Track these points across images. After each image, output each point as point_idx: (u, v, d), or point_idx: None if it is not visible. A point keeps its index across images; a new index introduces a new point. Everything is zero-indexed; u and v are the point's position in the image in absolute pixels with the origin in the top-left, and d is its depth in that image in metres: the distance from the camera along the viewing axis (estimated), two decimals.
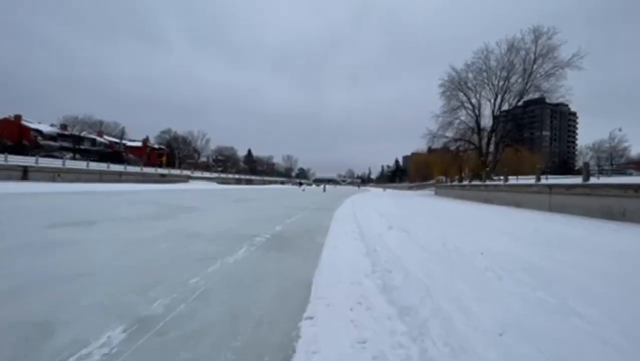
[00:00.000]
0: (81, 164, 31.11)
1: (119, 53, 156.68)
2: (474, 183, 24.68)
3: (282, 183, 52.68)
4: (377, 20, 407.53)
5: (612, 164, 41.56)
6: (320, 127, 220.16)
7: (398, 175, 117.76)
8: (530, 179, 23.01)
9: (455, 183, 30.86)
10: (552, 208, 14.07)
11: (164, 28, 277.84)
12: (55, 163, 29.67)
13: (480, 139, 33.09)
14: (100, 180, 30.85)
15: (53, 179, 27.45)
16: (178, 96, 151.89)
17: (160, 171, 41.21)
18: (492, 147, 33.18)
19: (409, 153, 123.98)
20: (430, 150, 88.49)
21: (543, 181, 18.10)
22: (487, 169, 31.54)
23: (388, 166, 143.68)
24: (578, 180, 13.61)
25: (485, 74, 32.35)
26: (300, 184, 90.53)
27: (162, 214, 7.98)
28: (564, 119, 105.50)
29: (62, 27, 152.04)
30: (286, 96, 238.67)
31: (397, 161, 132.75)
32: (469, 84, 32.83)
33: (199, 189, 26.10)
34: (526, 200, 16.05)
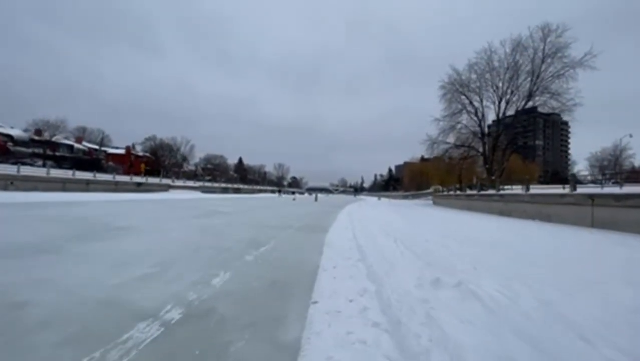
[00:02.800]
0: (41, 171, 27.54)
1: (114, 61, 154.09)
2: (483, 192, 22.00)
3: (273, 191, 49.35)
4: (374, 33, 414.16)
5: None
6: (313, 137, 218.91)
7: (392, 184, 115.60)
8: (544, 189, 20.56)
9: (460, 192, 28.20)
10: (595, 224, 11.38)
11: (161, 38, 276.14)
12: (10, 170, 26.07)
13: (484, 145, 30.71)
14: (63, 189, 27.33)
15: (5, 188, 23.92)
16: (172, 104, 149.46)
17: (136, 179, 37.67)
18: (496, 154, 30.77)
19: (401, 162, 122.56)
20: (423, 159, 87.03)
21: (580, 190, 15.63)
22: (493, 177, 29.17)
23: (381, 175, 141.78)
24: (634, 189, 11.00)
25: (488, 75, 30.21)
26: (293, 193, 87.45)
27: (46, 244, 4.91)
28: (556, 128, 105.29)
29: (54, 31, 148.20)
30: (281, 105, 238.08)
31: (390, 170, 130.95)
32: (472, 86, 30.64)
33: (171, 199, 22.83)
34: (558, 213, 13.36)
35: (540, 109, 30.71)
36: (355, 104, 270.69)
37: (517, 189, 20.83)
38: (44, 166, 44.22)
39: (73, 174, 29.52)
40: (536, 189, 19.14)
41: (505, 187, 28.27)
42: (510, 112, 30.26)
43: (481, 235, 8.44)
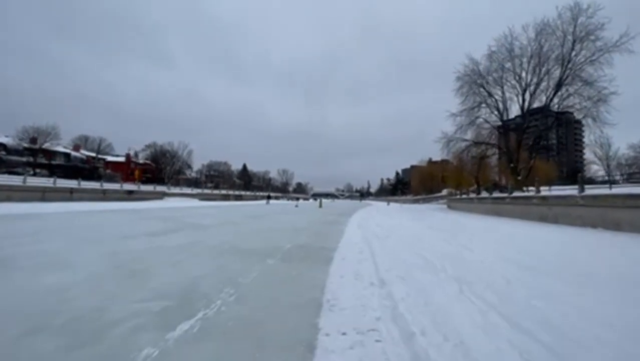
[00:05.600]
0: (17, 179, 25.12)
1: (123, 70, 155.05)
2: (517, 194, 18.78)
3: (269, 197, 46.32)
4: (382, 37, 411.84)
5: None
6: (319, 142, 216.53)
7: (400, 188, 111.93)
8: (567, 189, 17.10)
9: (484, 194, 24.90)
10: None
11: (171, 47, 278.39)
12: None
13: (507, 142, 27.42)
14: (43, 198, 24.85)
15: None
16: (179, 112, 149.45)
17: (127, 187, 35.20)
18: (521, 152, 27.40)
19: (408, 166, 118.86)
20: (431, 161, 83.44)
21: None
22: (519, 178, 25.85)
23: (388, 179, 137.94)
24: None
25: (509, 64, 27.01)
26: (297, 198, 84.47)
27: None
28: (569, 128, 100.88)
29: (65, 43, 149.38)
30: (286, 111, 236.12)
31: (397, 173, 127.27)
32: (491, 77, 27.47)
33: (152, 208, 20.07)
34: (631, 220, 10.22)
35: (567, 102, 27.23)
36: (362, 108, 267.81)
37: (558, 190, 17.61)
38: (34, 174, 42.19)
39: (54, 183, 27.06)
40: (571, 190, 15.92)
41: (530, 188, 25.02)
42: (536, 104, 27.03)
43: (576, 257, 5.35)
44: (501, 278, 4.00)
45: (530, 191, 22.99)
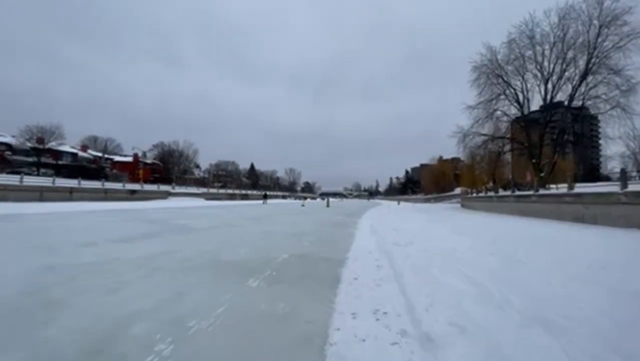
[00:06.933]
0: (14, 179, 24.39)
1: (136, 71, 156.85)
2: (543, 192, 16.99)
3: (265, 196, 44.95)
4: (393, 35, 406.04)
5: None
6: (327, 142, 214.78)
7: (410, 187, 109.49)
8: (599, 186, 15.18)
9: (503, 192, 23.05)
10: None
11: (182, 49, 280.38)
12: None
13: (528, 137, 25.46)
14: (41, 198, 24.07)
15: None
16: (189, 112, 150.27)
17: (130, 186, 34.40)
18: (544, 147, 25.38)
19: (417, 164, 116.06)
20: (442, 159, 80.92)
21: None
22: (542, 174, 23.89)
23: (397, 178, 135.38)
24: None
25: (530, 52, 25.02)
26: (304, 198, 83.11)
27: None
28: (585, 123, 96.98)
29: (80, 46, 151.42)
30: (295, 111, 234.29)
31: (407, 172, 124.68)
32: (511, 67, 25.49)
33: (147, 209, 18.91)
34: None
35: (593, 92, 24.98)
36: (371, 107, 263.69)
37: (583, 187, 15.79)
38: (37, 174, 41.82)
39: (53, 182, 26.29)
40: (606, 187, 14.11)
41: (551, 186, 23.11)
42: (560, 95, 25.00)
43: None
44: (604, 317, 2.50)
45: (552, 189, 21.17)
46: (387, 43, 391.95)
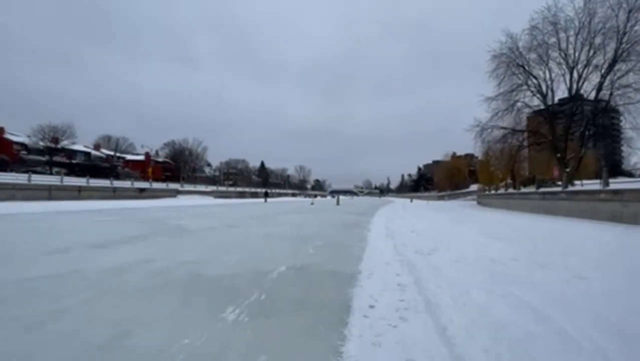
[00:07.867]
0: (23, 178, 24.31)
1: (150, 71, 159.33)
2: (573, 189, 15.53)
3: (265, 194, 44.16)
4: (406, 30, 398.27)
5: None
6: (338, 139, 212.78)
7: (422, 184, 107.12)
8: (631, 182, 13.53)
9: (530, 189, 21.51)
10: None
11: (195, 48, 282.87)
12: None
13: (553, 129, 23.74)
14: (49, 197, 23.93)
15: None
16: (201, 111, 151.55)
17: (138, 184, 34.21)
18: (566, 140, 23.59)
19: (429, 161, 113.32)
20: (455, 156, 78.45)
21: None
22: (567, 170, 22.19)
23: (409, 175, 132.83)
24: None
25: (554, 39, 23.18)
26: (315, 196, 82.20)
27: None
28: (606, 117, 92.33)
29: (96, 47, 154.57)
30: (307, 109, 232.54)
31: (419, 169, 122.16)
32: (533, 55, 23.74)
33: (156, 207, 18.35)
34: None
35: (622, 80, 23.00)
36: (383, 104, 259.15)
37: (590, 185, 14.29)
38: (50, 173, 42.30)
39: (61, 180, 26.17)
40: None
41: (575, 182, 21.44)
42: (586, 86, 23.15)
43: None
44: None
45: (577, 185, 19.55)
46: (401, 38, 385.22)
